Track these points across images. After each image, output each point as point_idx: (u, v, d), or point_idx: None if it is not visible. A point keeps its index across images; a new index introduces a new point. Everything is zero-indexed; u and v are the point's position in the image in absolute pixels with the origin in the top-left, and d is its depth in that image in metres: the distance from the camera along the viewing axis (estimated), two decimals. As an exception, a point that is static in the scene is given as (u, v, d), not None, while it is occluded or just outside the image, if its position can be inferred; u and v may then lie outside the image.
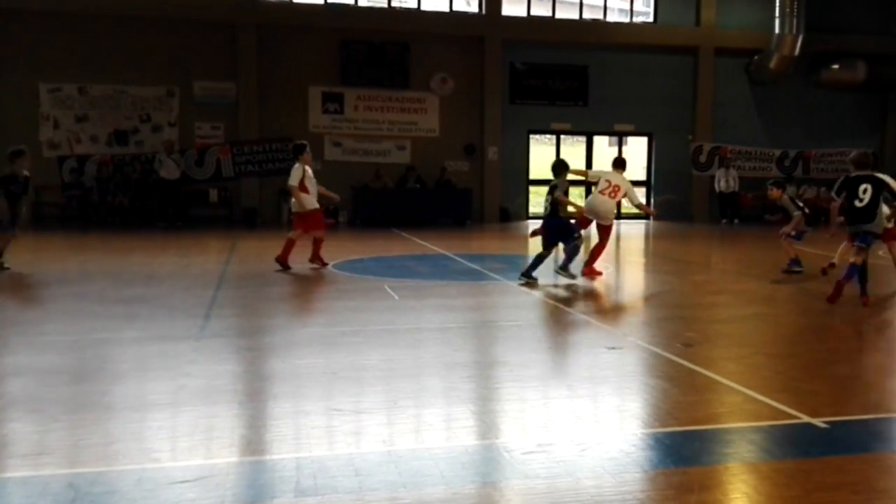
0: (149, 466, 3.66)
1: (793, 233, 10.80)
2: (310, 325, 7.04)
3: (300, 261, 10.86)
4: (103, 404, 4.62)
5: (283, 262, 10.61)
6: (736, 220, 20.96)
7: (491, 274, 10.52)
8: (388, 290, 8.96)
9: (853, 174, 8.40)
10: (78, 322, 7.12)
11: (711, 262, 12.58)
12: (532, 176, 22.57)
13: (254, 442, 4.03)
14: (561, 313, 7.91)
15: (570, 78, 21.86)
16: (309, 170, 10.81)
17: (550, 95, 21.81)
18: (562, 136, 22.75)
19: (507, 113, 21.37)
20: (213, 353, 5.93)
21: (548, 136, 23.22)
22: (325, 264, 10.86)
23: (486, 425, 4.31)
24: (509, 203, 21.76)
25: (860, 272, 8.18)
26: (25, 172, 10.40)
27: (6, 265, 10.19)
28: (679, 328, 7.04)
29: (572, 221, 10.30)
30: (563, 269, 9.77)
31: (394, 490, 3.36)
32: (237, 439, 4.05)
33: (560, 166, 9.87)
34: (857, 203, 8.15)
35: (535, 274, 9.66)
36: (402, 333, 6.69)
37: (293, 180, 10.64)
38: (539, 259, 9.71)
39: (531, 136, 22.28)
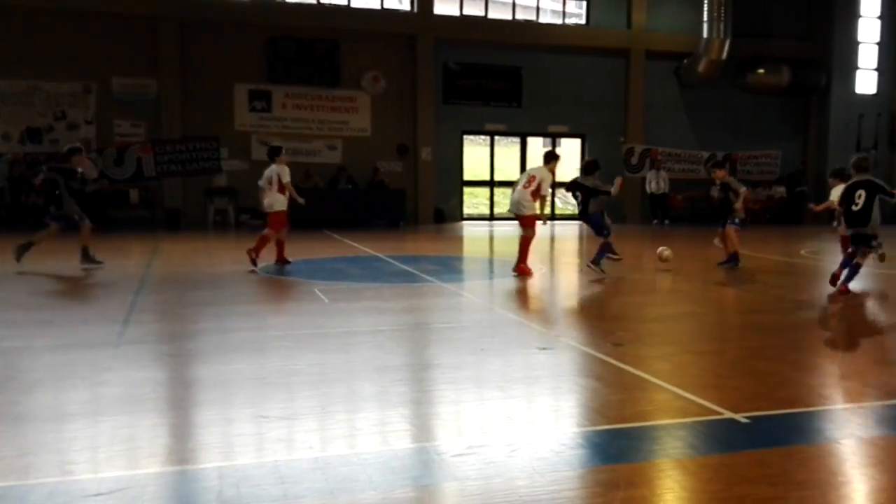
0: (62, 479, 3.49)
1: (737, 220, 11.08)
2: (236, 330, 6.86)
3: (234, 260, 10.61)
4: (14, 415, 4.39)
5: (282, 261, 11.27)
6: (666, 221, 21.46)
7: (424, 276, 10.47)
8: (318, 293, 8.84)
9: (852, 180, 9.01)
10: (-12, 328, 6.76)
11: (642, 262, 12.81)
12: (466, 177, 22.66)
13: (175, 451, 3.89)
14: (494, 314, 7.92)
15: (504, 79, 22.02)
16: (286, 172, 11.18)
17: (484, 96, 21.93)
18: (496, 137, 22.91)
19: (441, 113, 21.40)
20: (133, 360, 5.71)
21: (482, 136, 23.36)
22: (254, 268, 10.65)
23: (418, 429, 4.26)
24: (444, 204, 21.80)
25: (853, 268, 8.95)
26: (80, 169, 11.19)
27: (97, 259, 10.97)
28: (610, 328, 7.13)
29: (607, 219, 10.78)
30: (594, 262, 10.57)
31: (321, 497, 3.29)
32: (158, 449, 3.91)
33: (592, 166, 10.72)
34: (853, 208, 8.79)
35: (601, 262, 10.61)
36: (332, 337, 6.57)
37: (286, 178, 11.08)
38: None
39: (465, 136, 22.37)
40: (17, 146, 18.24)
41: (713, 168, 11.84)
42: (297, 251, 13.27)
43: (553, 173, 10.79)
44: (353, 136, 20.77)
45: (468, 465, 3.63)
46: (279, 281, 9.95)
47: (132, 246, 14.42)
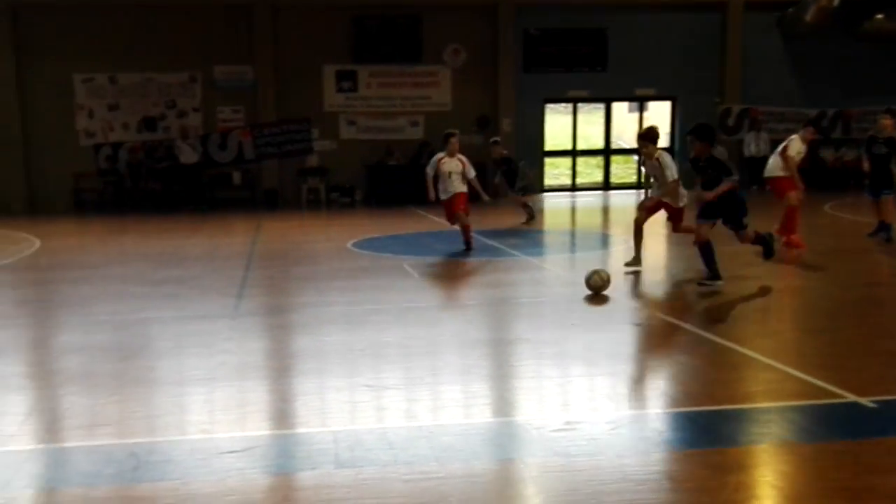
0: (198, 437, 3.85)
1: None
2: (335, 304, 7.10)
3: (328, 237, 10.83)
4: (151, 379, 4.87)
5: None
6: (768, 187, 20.34)
7: (509, 250, 10.48)
8: (407, 268, 8.99)
9: None
10: (123, 302, 7.39)
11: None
12: (548, 147, 22.35)
13: (289, 416, 4.24)
14: (581, 289, 7.78)
15: (588, 42, 21.31)
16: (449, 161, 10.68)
17: (567, 61, 21.30)
18: (579, 104, 22.42)
19: (522, 82, 21.08)
20: (247, 331, 6.15)
21: (564, 104, 22.94)
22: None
23: (512, 403, 4.35)
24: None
25: None
26: (504, 152, 14.38)
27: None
28: (709, 303, 6.86)
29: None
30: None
31: (426, 464, 3.43)
32: (277, 413, 4.28)
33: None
34: None
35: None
36: (422, 311, 6.71)
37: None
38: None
39: (547, 105, 22.00)
40: (136, 135, 19.44)
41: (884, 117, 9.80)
42: (385, 227, 13.52)
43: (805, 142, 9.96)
44: (435, 111, 20.76)
45: (566, 440, 3.65)
46: (370, 256, 10.14)
47: (237, 224, 15.13)
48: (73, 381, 4.87)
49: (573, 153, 22.56)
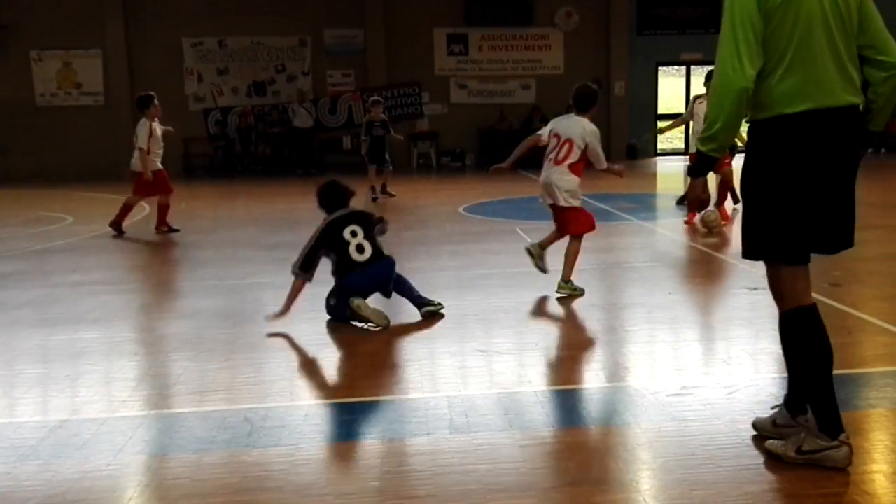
0: (312, 403, 3.95)
1: None
2: (445, 269, 7.23)
3: (439, 201, 11.07)
4: (263, 345, 4.96)
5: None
6: (883, 150, 19.40)
7: (621, 214, 10.40)
8: (520, 232, 9.04)
9: None
10: (235, 267, 7.58)
11: (858, 196, 11.74)
12: (661, 110, 21.82)
13: (403, 381, 4.27)
14: (696, 253, 7.75)
15: (702, 3, 20.73)
16: (157, 127, 9.83)
17: (680, 24, 20.82)
18: (692, 67, 21.76)
19: (635, 45, 20.62)
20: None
21: (677, 67, 22.29)
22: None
23: (626, 368, 4.35)
24: (636, 139, 21.18)
25: None
26: (383, 116, 12.84)
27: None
28: (824, 267, 6.61)
29: None
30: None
31: (542, 429, 3.45)
32: (388, 379, 4.32)
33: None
34: None
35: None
36: (535, 276, 6.69)
37: (142, 142, 9.69)
38: None
39: (660, 68, 21.44)
40: (245, 99, 19.90)
41: None
42: (496, 191, 13.56)
43: None
44: (547, 75, 20.59)
45: (683, 405, 3.66)
46: (482, 220, 10.28)
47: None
48: (185, 346, 4.93)
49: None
